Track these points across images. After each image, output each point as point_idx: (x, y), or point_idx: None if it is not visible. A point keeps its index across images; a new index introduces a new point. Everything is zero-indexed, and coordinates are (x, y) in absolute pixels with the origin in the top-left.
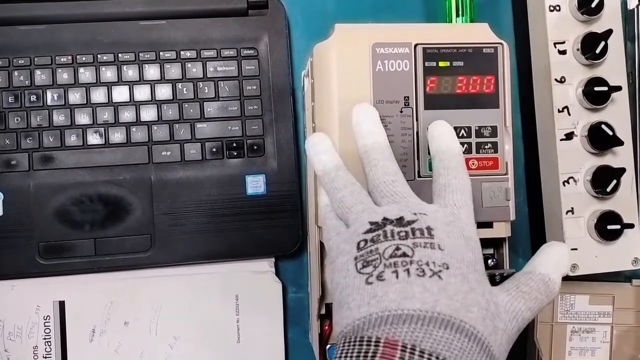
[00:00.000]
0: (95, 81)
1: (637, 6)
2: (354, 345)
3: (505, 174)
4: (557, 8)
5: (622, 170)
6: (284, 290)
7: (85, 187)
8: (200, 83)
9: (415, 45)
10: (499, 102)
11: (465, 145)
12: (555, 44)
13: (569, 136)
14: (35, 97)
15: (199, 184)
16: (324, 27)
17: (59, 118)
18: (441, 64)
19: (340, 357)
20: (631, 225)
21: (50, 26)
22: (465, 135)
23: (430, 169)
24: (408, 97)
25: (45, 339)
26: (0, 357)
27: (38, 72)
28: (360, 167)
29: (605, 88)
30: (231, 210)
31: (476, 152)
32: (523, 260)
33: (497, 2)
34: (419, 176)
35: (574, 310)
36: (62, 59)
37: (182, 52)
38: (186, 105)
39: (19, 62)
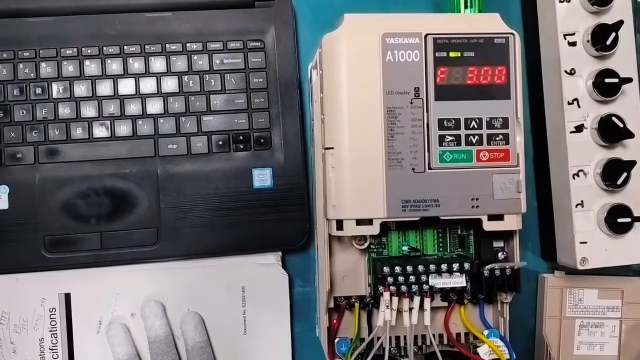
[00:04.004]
0: (101, 74)
1: None
2: None
3: (516, 166)
4: None
5: (633, 163)
6: (290, 284)
7: (91, 181)
8: (207, 75)
9: (426, 36)
10: (511, 93)
11: (477, 137)
12: (565, 35)
13: (579, 129)
14: (40, 89)
15: (206, 177)
16: (330, 19)
17: (65, 111)
18: (452, 54)
19: None
20: None
21: (56, 18)
22: (476, 126)
23: (441, 161)
24: (418, 87)
25: (51, 330)
26: (6, 349)
27: (43, 64)
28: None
29: (616, 80)
30: (238, 204)
31: (487, 144)
32: (532, 254)
33: None
34: (430, 168)
35: (582, 304)
36: (67, 52)
37: (188, 45)
38: (192, 98)
39: (24, 54)
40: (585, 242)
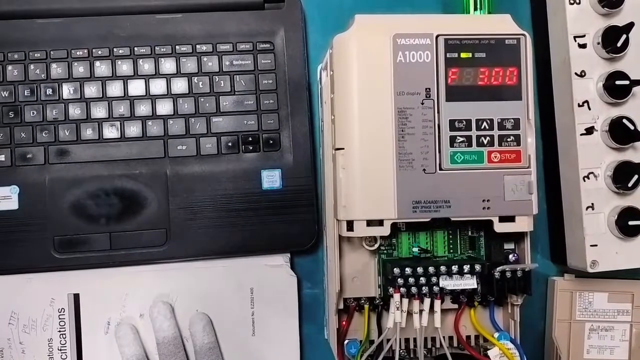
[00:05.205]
0: (111, 75)
1: None
2: None
3: (528, 167)
4: (577, 1)
5: None
6: (299, 286)
7: (101, 181)
8: (216, 77)
9: (437, 36)
10: (522, 94)
11: (488, 138)
12: (575, 37)
13: (589, 131)
14: (51, 90)
15: (215, 178)
16: (340, 21)
17: (75, 112)
18: (463, 55)
19: None
20: None
21: (67, 19)
22: (487, 127)
23: (452, 162)
24: (429, 88)
25: (60, 331)
26: (15, 349)
27: (54, 65)
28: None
29: (627, 82)
30: (247, 205)
31: (498, 145)
32: (541, 257)
33: None
34: (440, 169)
35: (592, 308)
36: (78, 53)
37: (198, 46)
38: (202, 99)
39: (35, 55)
40: (596, 245)
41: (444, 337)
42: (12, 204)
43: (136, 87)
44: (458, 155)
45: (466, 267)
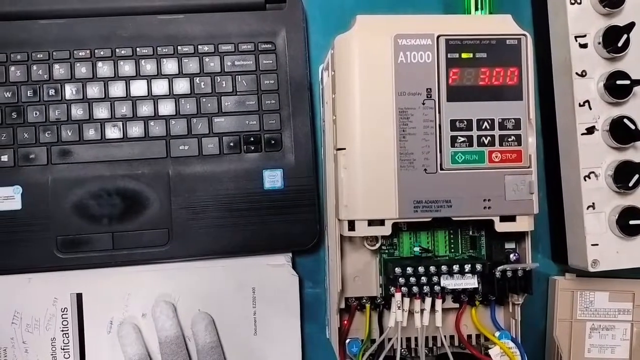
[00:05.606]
0: (113, 75)
1: None
2: None
3: (528, 167)
4: (578, 1)
5: None
6: (300, 285)
7: (103, 181)
8: (218, 77)
9: (438, 37)
10: (523, 95)
11: (489, 138)
12: (576, 37)
13: (590, 130)
14: (53, 91)
15: (217, 178)
16: (341, 21)
17: (78, 112)
18: (464, 55)
19: None
20: None
21: (69, 20)
22: (488, 127)
23: (453, 162)
24: (430, 89)
25: (62, 330)
26: (18, 348)
27: (57, 66)
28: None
29: (627, 82)
30: (248, 205)
31: (499, 145)
32: (542, 257)
33: None
34: (442, 169)
35: (593, 307)
36: (80, 53)
37: (200, 47)
38: (204, 100)
39: (38, 56)
40: (597, 245)
41: (445, 336)
42: (15, 204)
43: (138, 88)
44: (459, 155)
45: (467, 267)
